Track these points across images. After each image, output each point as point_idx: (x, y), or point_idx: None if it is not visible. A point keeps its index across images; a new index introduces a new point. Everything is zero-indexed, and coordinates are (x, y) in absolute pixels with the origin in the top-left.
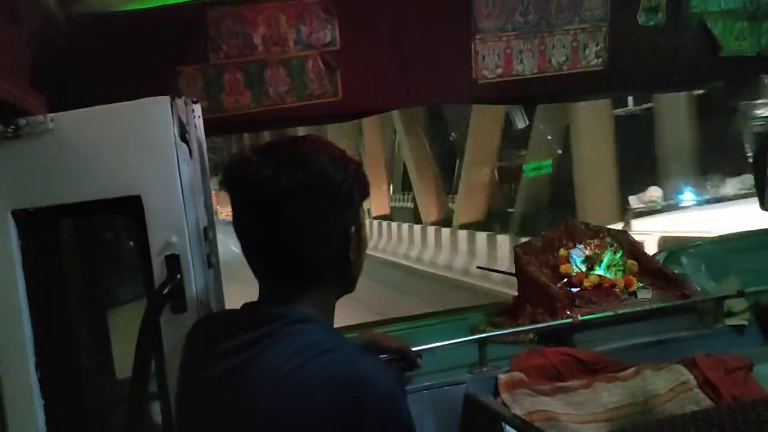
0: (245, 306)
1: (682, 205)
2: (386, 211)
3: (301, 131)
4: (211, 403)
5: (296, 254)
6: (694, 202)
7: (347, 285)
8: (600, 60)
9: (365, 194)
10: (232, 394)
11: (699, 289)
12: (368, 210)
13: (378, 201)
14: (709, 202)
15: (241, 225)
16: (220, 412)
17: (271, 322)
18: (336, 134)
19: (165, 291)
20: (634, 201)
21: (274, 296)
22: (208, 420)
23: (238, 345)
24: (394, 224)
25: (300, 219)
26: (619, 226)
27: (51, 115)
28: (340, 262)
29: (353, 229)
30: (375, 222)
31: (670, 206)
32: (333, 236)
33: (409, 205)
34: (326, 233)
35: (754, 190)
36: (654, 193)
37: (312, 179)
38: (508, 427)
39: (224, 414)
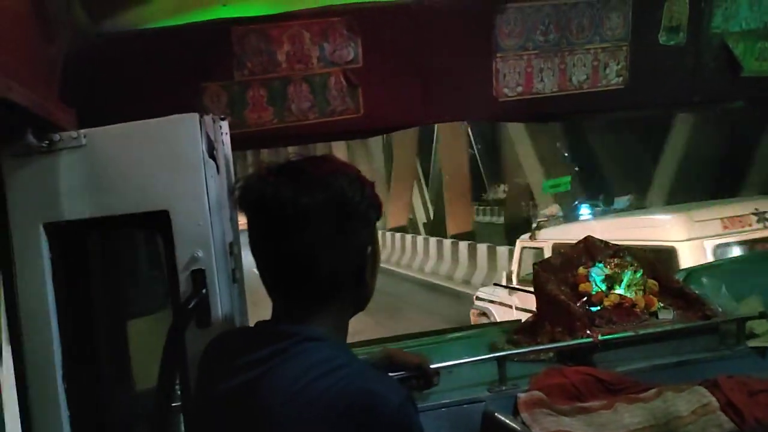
0: (259, 324)
1: (581, 218)
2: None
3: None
4: (223, 417)
5: (313, 274)
6: (589, 216)
7: (361, 304)
8: (621, 79)
9: (379, 214)
10: (244, 409)
11: (720, 309)
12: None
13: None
14: (599, 215)
15: (257, 244)
16: (233, 424)
17: (283, 340)
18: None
19: (190, 305)
20: (541, 215)
21: (288, 314)
22: (224, 428)
23: (251, 361)
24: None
25: (319, 239)
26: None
27: (84, 131)
28: (356, 281)
29: (369, 249)
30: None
31: (569, 218)
32: (350, 256)
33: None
34: (344, 254)
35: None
36: (553, 209)
37: (332, 200)
38: None
39: (237, 426)
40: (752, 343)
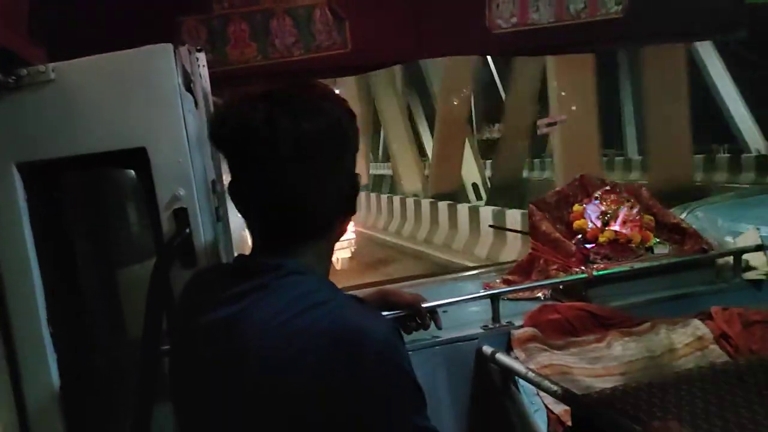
0: (239, 258)
1: None
2: (365, 180)
3: None
4: (202, 354)
5: (308, 208)
6: None
7: (343, 231)
8: (620, 7)
9: (359, 138)
10: (224, 343)
11: (717, 243)
12: None
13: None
14: None
15: (241, 178)
16: (212, 360)
17: (265, 273)
18: None
19: (174, 245)
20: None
21: (270, 248)
22: (200, 367)
23: (231, 295)
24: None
25: (318, 170)
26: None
27: (52, 64)
28: (345, 208)
29: (358, 174)
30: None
31: None
32: (342, 183)
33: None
34: (337, 181)
35: None
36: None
37: (332, 127)
38: (521, 381)
39: (216, 362)
40: (748, 276)
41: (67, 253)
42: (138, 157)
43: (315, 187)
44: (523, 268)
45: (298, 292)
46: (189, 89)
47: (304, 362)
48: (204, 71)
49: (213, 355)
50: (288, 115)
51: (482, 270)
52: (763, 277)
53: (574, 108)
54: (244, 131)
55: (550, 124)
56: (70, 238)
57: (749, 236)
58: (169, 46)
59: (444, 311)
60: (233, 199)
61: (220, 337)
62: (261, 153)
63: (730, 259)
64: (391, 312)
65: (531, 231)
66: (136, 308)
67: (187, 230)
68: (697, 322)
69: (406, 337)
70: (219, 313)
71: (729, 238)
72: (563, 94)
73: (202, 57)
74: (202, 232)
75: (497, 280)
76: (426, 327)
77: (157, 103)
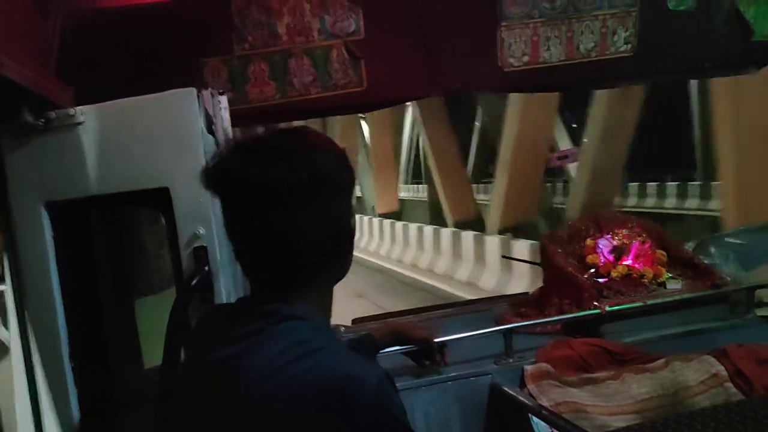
0: (240, 300)
1: None
2: (395, 207)
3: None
4: (202, 390)
5: (293, 253)
6: None
7: (340, 276)
8: (629, 46)
9: (354, 181)
10: (222, 384)
11: (730, 279)
12: (372, 207)
13: (389, 197)
14: None
15: (233, 223)
16: (209, 400)
17: (261, 319)
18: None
19: (193, 283)
20: None
21: (268, 292)
22: (199, 404)
23: (232, 337)
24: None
25: (301, 215)
26: None
27: (80, 108)
28: (339, 253)
29: (352, 220)
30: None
31: None
32: (333, 229)
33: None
34: (327, 227)
35: None
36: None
37: (315, 175)
38: (535, 419)
39: (212, 402)
40: (762, 312)
41: (90, 289)
42: (161, 197)
43: (301, 234)
44: (535, 302)
45: (292, 340)
46: (210, 131)
47: (296, 411)
48: (225, 113)
49: (211, 395)
50: (271, 165)
51: (493, 303)
52: None
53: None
54: (235, 180)
55: (560, 158)
56: (94, 272)
57: (762, 272)
58: (193, 91)
59: (456, 345)
60: (231, 241)
61: (218, 377)
62: (241, 202)
63: (744, 294)
64: (402, 347)
65: (543, 264)
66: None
67: (206, 268)
68: (711, 359)
69: (419, 373)
70: (220, 353)
71: (742, 274)
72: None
73: (224, 99)
74: (221, 270)
75: (508, 314)
76: (439, 364)
77: (180, 145)
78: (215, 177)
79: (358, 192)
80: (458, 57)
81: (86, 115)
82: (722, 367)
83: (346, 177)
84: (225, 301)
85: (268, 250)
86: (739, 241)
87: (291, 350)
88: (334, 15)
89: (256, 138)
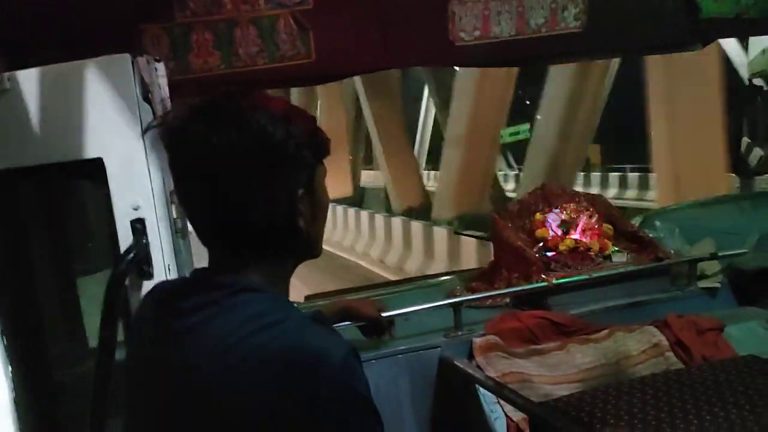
0: (195, 272)
1: None
2: (349, 192)
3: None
4: (153, 363)
5: (239, 221)
6: None
7: (305, 252)
8: (579, 22)
9: (321, 153)
10: (174, 357)
11: (673, 252)
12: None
13: (339, 181)
14: None
15: (178, 188)
16: (161, 373)
17: (217, 290)
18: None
19: (130, 256)
20: None
21: (224, 263)
22: (149, 379)
23: (184, 309)
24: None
25: (239, 183)
26: None
27: (7, 73)
28: (289, 230)
29: (301, 192)
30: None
31: None
32: (277, 202)
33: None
34: (269, 199)
35: None
36: None
37: (249, 139)
38: (481, 390)
39: (165, 375)
40: (703, 284)
41: (23, 263)
42: (95, 168)
43: (240, 200)
44: (486, 276)
45: (252, 311)
46: (147, 99)
47: (257, 385)
48: (163, 81)
49: (163, 370)
50: (205, 125)
51: (446, 278)
52: (717, 285)
53: None
54: (176, 141)
55: None
56: (27, 247)
57: (704, 245)
58: (127, 57)
59: (406, 319)
60: (181, 207)
61: (172, 351)
62: (189, 163)
63: (686, 267)
64: (351, 323)
65: (493, 239)
66: (95, 319)
67: (144, 241)
68: (653, 329)
69: (369, 346)
70: (173, 326)
71: (685, 247)
72: None
73: (160, 67)
74: (161, 244)
75: (459, 288)
76: (385, 334)
77: (114, 113)
78: (164, 138)
79: None
80: (410, 30)
81: (13, 81)
82: (663, 337)
83: (300, 146)
84: (165, 277)
85: (214, 220)
86: (683, 216)
87: (250, 323)
88: None
89: (206, 100)
